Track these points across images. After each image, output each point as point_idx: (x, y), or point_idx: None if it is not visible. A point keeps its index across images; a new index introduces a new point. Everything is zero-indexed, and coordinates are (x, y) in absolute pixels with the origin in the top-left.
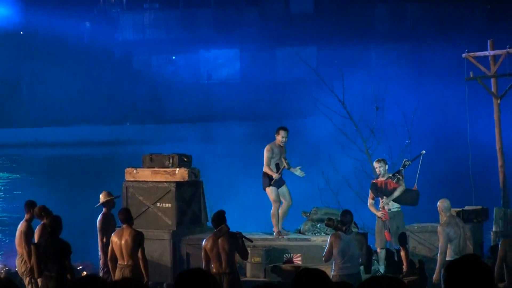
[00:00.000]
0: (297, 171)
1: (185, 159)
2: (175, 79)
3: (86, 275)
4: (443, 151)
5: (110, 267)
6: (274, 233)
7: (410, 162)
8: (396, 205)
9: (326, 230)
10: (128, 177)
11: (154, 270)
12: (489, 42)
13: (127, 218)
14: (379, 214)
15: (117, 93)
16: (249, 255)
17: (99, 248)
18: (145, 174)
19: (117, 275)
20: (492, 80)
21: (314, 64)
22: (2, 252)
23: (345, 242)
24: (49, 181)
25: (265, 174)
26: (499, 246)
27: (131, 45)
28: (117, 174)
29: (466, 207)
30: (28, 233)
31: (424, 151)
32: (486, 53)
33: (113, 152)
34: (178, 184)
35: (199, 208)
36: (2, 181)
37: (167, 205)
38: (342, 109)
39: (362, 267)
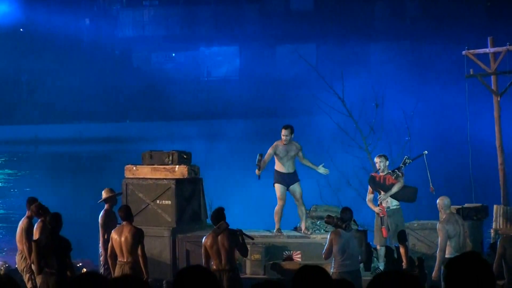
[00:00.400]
0: (321, 169)
1: (185, 156)
2: (175, 76)
3: (86, 272)
4: (443, 148)
5: (110, 264)
6: (275, 230)
7: (411, 160)
8: (395, 202)
9: (326, 227)
10: (127, 174)
11: (153, 267)
12: (489, 39)
13: (127, 215)
14: (376, 209)
15: (117, 90)
16: (249, 252)
17: (100, 245)
18: (144, 171)
19: (117, 272)
20: (492, 77)
21: (314, 61)
22: (6, 248)
23: (344, 239)
24: (49, 178)
25: (276, 170)
26: (498, 243)
27: (130, 42)
28: (116, 171)
29: (466, 205)
30: (28, 230)
31: (426, 151)
32: (486, 50)
33: (112, 149)
34: (178, 181)
35: (199, 205)
36: (6, 177)
37: (166, 202)
38: (342, 106)
39: (362, 265)
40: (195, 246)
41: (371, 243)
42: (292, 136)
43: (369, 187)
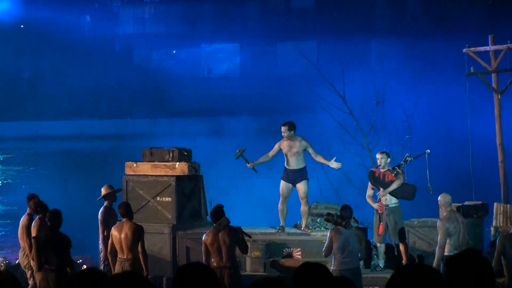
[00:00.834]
0: (333, 164)
1: (185, 153)
2: (176, 73)
3: (86, 268)
4: (443, 146)
5: (110, 261)
6: (279, 227)
7: (412, 158)
8: (394, 200)
9: (326, 224)
10: (128, 171)
11: (153, 264)
12: (490, 37)
13: (127, 212)
14: (375, 206)
15: (118, 87)
16: (249, 249)
17: (100, 241)
18: (145, 168)
19: (117, 269)
20: (493, 75)
21: (315, 59)
22: (8, 245)
23: (344, 237)
24: (49, 175)
25: (284, 166)
26: (498, 241)
27: (131, 39)
28: (117, 168)
29: (466, 202)
30: (29, 227)
31: (428, 150)
32: (487, 48)
33: (113, 146)
34: (178, 178)
35: (199, 202)
36: (14, 174)
37: (167, 199)
38: (343, 104)
39: (362, 262)
40: (195, 243)
41: (371, 240)
42: (292, 132)
43: (369, 183)
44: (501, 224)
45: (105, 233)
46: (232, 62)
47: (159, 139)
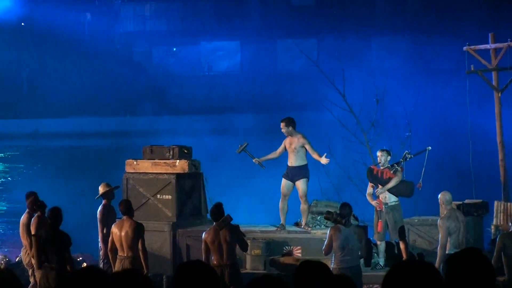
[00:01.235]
0: (322, 160)
1: (185, 151)
2: (176, 71)
3: (86, 266)
4: (444, 144)
5: (110, 258)
6: (279, 225)
7: (412, 155)
8: (394, 198)
9: (326, 222)
10: (128, 169)
11: (154, 261)
12: (490, 35)
13: (128, 209)
14: (373, 203)
15: (117, 85)
16: (249, 247)
17: (99, 239)
18: (145, 166)
19: (117, 267)
20: (493, 73)
21: (315, 56)
22: (9, 242)
23: (344, 235)
24: (49, 172)
25: None
26: (498, 239)
27: (131, 37)
28: (117, 166)
29: (466, 201)
30: (29, 225)
31: (429, 147)
32: (487, 46)
33: (112, 143)
34: (179, 176)
35: (199, 200)
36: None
37: (167, 197)
38: (343, 101)
39: (362, 260)
40: (195, 241)
41: (371, 238)
42: (291, 128)
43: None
44: (501, 223)
45: (105, 232)
46: (233, 59)
47: (159, 137)
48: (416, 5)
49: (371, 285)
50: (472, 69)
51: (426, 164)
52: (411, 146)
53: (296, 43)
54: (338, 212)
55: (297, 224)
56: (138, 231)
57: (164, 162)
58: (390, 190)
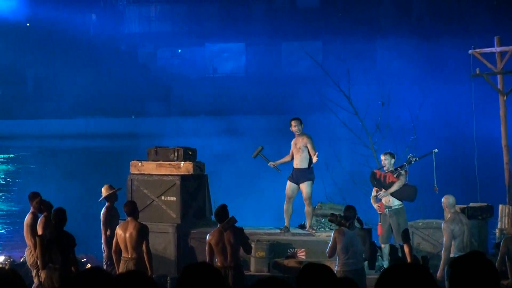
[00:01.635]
0: (314, 158)
1: (190, 153)
2: (181, 73)
3: (90, 267)
4: (449, 147)
5: (114, 260)
6: (283, 227)
7: (416, 158)
8: (398, 201)
9: (331, 225)
10: (133, 170)
11: (158, 263)
12: (495, 38)
13: (133, 211)
14: (375, 206)
15: (122, 86)
16: (253, 250)
17: (102, 241)
18: (150, 167)
19: (121, 268)
20: (499, 76)
21: (320, 59)
22: (13, 243)
23: (348, 237)
24: (54, 172)
25: None
26: (502, 243)
27: (137, 38)
28: (121, 167)
29: (471, 204)
30: (33, 225)
31: (436, 150)
32: (493, 49)
33: (117, 144)
34: (183, 178)
35: (204, 202)
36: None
37: (171, 198)
38: (348, 104)
39: (366, 263)
40: (199, 243)
41: (375, 241)
42: (302, 127)
43: None
44: (506, 226)
45: (108, 233)
46: (238, 61)
47: (164, 138)
48: (421, 8)
49: None
50: (478, 72)
51: (430, 166)
52: (416, 149)
53: (301, 45)
54: (342, 214)
55: (301, 227)
56: (142, 233)
57: (169, 164)
58: (392, 194)
